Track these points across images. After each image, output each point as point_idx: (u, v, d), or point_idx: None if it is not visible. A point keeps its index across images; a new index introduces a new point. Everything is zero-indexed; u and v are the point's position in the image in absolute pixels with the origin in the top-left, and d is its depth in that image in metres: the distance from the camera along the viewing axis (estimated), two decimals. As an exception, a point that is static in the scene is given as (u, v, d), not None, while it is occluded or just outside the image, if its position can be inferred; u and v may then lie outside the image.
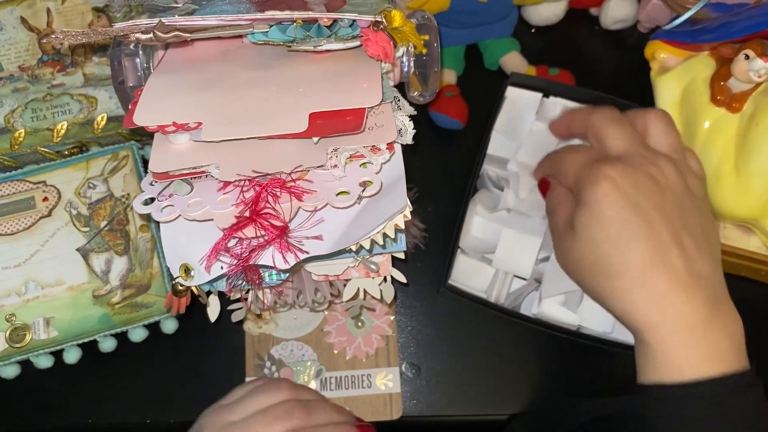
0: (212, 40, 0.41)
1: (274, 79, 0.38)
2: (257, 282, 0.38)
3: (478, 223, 0.58)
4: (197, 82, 0.38)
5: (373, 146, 0.36)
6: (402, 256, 0.45)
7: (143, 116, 0.36)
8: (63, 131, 0.56)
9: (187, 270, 0.37)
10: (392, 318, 0.60)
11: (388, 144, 0.36)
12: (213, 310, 0.45)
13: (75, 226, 0.56)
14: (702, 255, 0.42)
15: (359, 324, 0.60)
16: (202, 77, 0.39)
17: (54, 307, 0.54)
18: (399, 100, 0.39)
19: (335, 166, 0.35)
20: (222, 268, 0.36)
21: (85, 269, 0.55)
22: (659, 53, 0.57)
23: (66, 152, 0.57)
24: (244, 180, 0.35)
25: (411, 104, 0.40)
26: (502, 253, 0.56)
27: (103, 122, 0.56)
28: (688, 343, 0.40)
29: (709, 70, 0.54)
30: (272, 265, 0.35)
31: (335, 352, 0.59)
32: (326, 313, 0.60)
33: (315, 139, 0.35)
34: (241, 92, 0.37)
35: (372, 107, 0.36)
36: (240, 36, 0.40)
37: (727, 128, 0.54)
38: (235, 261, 0.35)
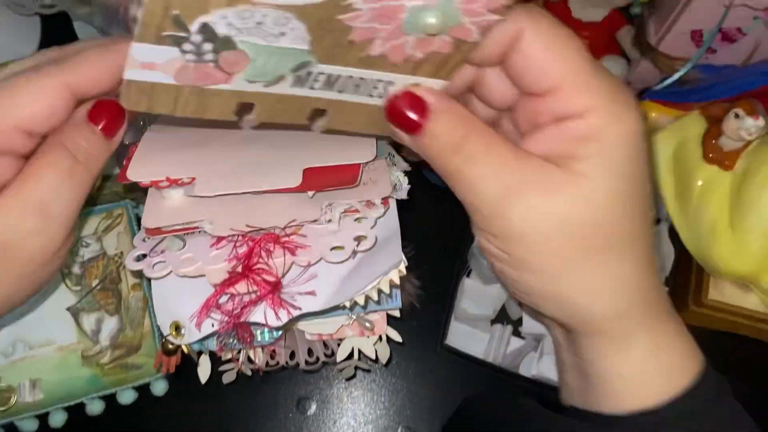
0: None
1: (270, 136, 0.38)
2: (249, 341, 0.37)
3: (471, 297, 0.58)
4: (193, 138, 0.39)
5: (367, 201, 0.36)
6: (397, 314, 0.44)
7: (137, 172, 0.36)
8: (58, 189, 0.56)
9: (177, 328, 0.36)
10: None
11: (383, 199, 0.36)
12: (203, 371, 0.44)
13: (66, 285, 0.55)
14: None
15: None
16: (198, 134, 0.39)
17: (42, 368, 0.52)
18: (393, 156, 0.40)
19: (330, 221, 0.35)
20: (213, 325, 0.35)
21: (74, 329, 0.53)
22: (650, 112, 0.58)
23: (60, 211, 0.57)
24: (238, 235, 0.35)
25: (406, 161, 0.41)
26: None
27: (98, 181, 0.56)
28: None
29: (700, 129, 0.55)
30: (264, 322, 0.34)
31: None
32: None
33: (310, 193, 0.35)
34: (237, 148, 0.37)
35: (367, 162, 0.36)
36: None
37: (720, 186, 0.54)
38: (227, 318, 0.34)
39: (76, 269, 0.55)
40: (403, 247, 0.38)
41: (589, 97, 0.28)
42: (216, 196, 0.35)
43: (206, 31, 0.25)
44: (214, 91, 0.29)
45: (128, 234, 0.57)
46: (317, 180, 0.34)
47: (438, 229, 0.64)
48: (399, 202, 0.39)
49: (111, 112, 0.32)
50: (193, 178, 0.35)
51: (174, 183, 0.35)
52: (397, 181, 0.38)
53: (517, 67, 0.29)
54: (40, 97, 0.29)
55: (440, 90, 0.31)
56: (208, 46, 0.26)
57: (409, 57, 0.29)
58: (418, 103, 0.30)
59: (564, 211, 0.28)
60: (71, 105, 0.31)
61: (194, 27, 0.25)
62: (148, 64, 0.27)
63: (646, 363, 0.32)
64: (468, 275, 0.59)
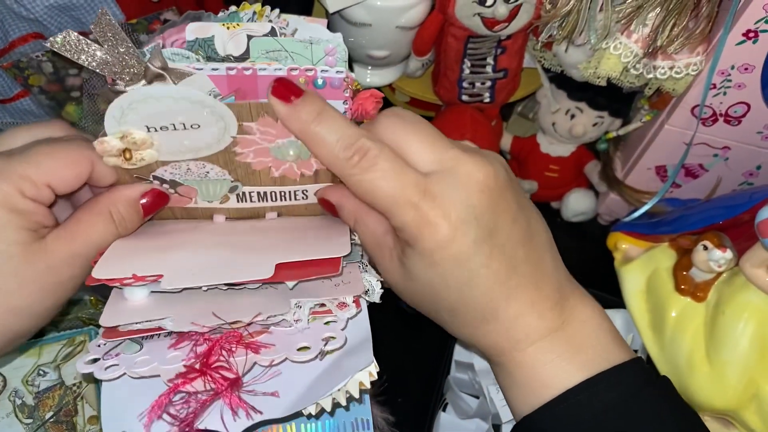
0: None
1: (240, 241, 0.38)
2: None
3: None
4: (162, 245, 0.38)
5: (340, 302, 0.35)
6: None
7: (103, 271, 0.35)
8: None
9: (125, 438, 0.33)
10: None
11: (354, 298, 0.35)
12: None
13: (17, 417, 0.51)
14: None
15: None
16: (167, 242, 0.39)
17: None
18: (366, 265, 0.39)
19: (298, 320, 0.34)
20: (164, 432, 0.32)
21: (19, 466, 0.49)
22: (621, 244, 0.59)
23: (20, 336, 0.55)
24: (198, 335, 0.33)
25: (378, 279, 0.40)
26: None
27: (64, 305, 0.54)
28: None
29: (670, 260, 0.56)
30: (221, 428, 0.31)
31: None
32: None
33: (290, 284, 0.35)
34: (207, 251, 0.37)
35: (343, 256, 0.35)
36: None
37: (694, 317, 0.53)
38: (178, 423, 0.31)
39: (29, 400, 0.52)
40: (378, 379, 0.36)
41: (401, 216, 0.34)
42: (183, 290, 0.34)
43: (158, 178, 0.38)
44: (192, 208, 0.40)
45: (89, 362, 0.54)
46: (296, 271, 0.34)
47: (413, 360, 0.62)
48: (374, 332, 0.38)
49: (157, 199, 0.39)
50: (160, 275, 0.34)
51: (140, 280, 0.34)
52: (369, 285, 0.37)
53: None
54: (73, 165, 0.35)
55: None
56: (165, 185, 0.38)
57: (302, 174, 0.38)
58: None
59: (410, 289, 0.37)
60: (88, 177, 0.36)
61: (150, 177, 0.37)
62: None
63: (523, 380, 0.38)
64: (444, 409, 0.56)
